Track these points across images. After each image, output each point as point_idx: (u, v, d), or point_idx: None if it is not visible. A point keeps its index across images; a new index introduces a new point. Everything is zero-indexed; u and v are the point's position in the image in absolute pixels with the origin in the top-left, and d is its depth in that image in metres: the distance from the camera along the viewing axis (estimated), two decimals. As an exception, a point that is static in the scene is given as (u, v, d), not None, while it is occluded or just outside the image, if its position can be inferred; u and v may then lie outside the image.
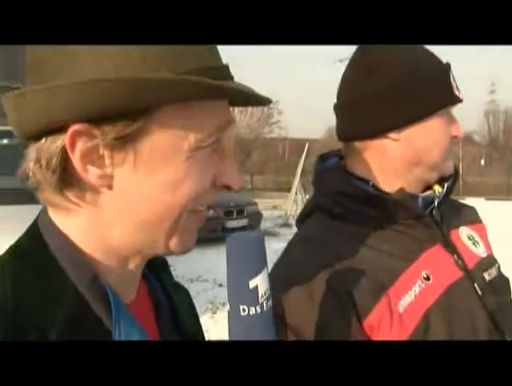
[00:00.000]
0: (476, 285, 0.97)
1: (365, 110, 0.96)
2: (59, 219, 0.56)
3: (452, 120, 0.99)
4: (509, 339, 0.95)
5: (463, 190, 24.53)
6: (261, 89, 0.59)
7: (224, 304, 5.27)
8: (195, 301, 0.82)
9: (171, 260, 0.77)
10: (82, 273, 0.54)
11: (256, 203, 10.72)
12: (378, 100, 0.94)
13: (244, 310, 0.57)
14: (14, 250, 0.56)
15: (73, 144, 0.50)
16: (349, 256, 0.90)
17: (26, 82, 0.54)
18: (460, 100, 0.97)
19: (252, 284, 0.56)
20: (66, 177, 0.52)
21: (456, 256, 0.98)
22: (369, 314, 0.87)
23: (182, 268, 6.01)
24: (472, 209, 1.19)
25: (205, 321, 0.99)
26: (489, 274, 1.02)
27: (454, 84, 0.96)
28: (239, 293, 0.57)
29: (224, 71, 0.57)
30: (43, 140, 0.51)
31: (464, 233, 1.06)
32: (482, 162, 29.46)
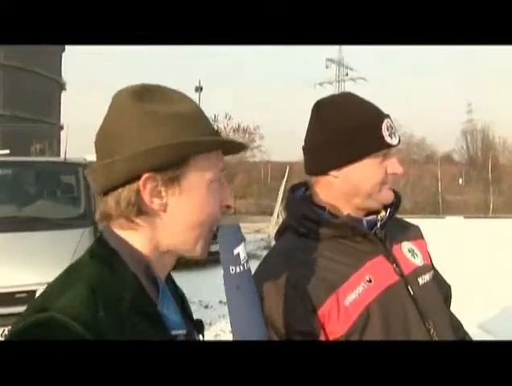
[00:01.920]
0: (409, 286, 1.25)
1: (315, 154, 1.30)
2: (124, 234, 0.85)
3: (389, 159, 1.26)
4: (430, 327, 1.20)
5: (442, 209, 24.69)
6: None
7: (210, 324, 5.54)
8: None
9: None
10: (140, 267, 0.84)
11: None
12: (323, 146, 1.26)
13: (232, 270, 0.90)
14: (91, 256, 0.84)
15: (144, 185, 0.81)
16: (309, 263, 1.21)
17: (97, 157, 0.85)
18: (391, 146, 1.24)
19: (235, 251, 0.90)
20: (138, 208, 0.82)
21: (394, 264, 1.26)
22: (321, 305, 1.16)
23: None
24: (417, 228, 1.49)
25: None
26: (422, 279, 1.30)
27: (386, 133, 1.23)
28: (228, 258, 0.90)
29: (219, 133, 0.91)
30: (120, 190, 0.81)
31: (405, 247, 1.35)
32: (461, 180, 29.81)
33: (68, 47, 37.61)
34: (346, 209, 1.28)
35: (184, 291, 1.07)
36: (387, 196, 1.28)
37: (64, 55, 39.65)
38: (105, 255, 0.84)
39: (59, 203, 5.50)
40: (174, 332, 0.85)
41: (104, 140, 0.84)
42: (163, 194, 0.83)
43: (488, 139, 37.25)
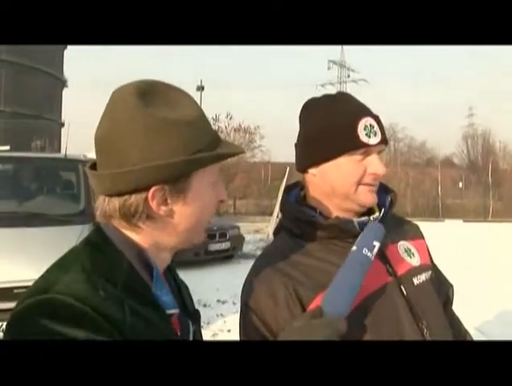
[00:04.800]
0: (402, 287, 1.24)
1: (297, 151, 1.34)
2: (123, 230, 0.90)
3: (370, 159, 1.24)
4: (424, 327, 1.20)
5: (442, 212, 24.66)
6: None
7: (208, 323, 5.38)
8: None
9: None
10: (134, 253, 0.89)
11: (238, 227, 10.73)
12: (303, 145, 1.31)
13: (365, 251, 1.06)
14: (87, 244, 0.90)
15: (153, 196, 0.86)
16: (300, 263, 1.22)
17: (101, 163, 0.88)
18: (367, 145, 1.22)
19: (374, 243, 1.08)
20: (146, 215, 0.87)
21: (387, 265, 1.25)
22: (309, 304, 1.16)
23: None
24: (416, 227, 1.48)
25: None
26: (418, 279, 1.29)
27: (363, 132, 1.22)
28: (367, 243, 1.08)
29: (218, 137, 0.95)
30: (126, 196, 0.86)
31: (401, 247, 1.33)
32: (461, 184, 29.79)
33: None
34: (333, 209, 1.28)
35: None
36: (366, 198, 1.26)
37: (65, 52, 39.66)
38: (99, 242, 0.89)
39: (59, 199, 5.50)
40: (168, 311, 0.90)
41: (109, 144, 0.86)
42: (169, 201, 0.89)
43: (488, 144, 37.35)
